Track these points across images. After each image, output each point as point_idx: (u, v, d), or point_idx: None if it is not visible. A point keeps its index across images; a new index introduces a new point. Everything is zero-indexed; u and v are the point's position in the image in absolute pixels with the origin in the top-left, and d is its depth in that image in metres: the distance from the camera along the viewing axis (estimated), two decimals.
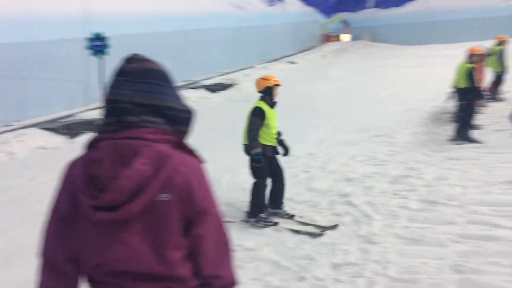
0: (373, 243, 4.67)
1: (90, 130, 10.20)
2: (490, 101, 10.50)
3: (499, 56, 10.75)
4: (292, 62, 20.62)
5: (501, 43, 11.00)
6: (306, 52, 23.60)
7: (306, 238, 4.94)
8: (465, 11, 27.32)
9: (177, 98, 1.63)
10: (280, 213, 5.58)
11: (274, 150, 5.55)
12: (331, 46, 25.26)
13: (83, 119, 11.38)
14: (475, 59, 8.23)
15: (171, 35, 16.62)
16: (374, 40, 28.06)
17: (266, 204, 5.53)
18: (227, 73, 17.87)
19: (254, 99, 5.79)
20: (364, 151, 8.00)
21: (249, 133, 5.28)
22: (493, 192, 5.72)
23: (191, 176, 1.51)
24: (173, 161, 1.48)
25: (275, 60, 21.11)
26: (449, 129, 8.54)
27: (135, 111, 1.51)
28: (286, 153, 5.70)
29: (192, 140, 1.81)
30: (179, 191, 1.48)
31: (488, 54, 10.31)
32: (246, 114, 5.44)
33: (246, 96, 14.23)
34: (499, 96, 10.87)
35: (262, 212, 5.41)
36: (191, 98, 13.76)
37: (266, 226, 5.28)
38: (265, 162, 5.36)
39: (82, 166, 1.50)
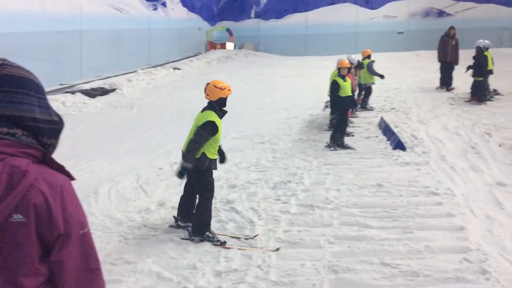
0: (256, 248, 4.76)
1: None
2: (360, 110, 11.37)
3: (367, 68, 11.70)
4: (176, 68, 20.40)
5: (368, 56, 11.97)
6: (191, 59, 23.51)
7: (189, 247, 4.86)
8: (338, 25, 29.41)
9: (42, 107, 1.47)
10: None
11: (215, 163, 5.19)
12: (216, 53, 25.50)
13: None
14: (343, 71, 8.86)
15: (46, 35, 15.44)
16: (256, 50, 28.93)
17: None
18: (108, 77, 17.11)
19: (137, 105, 5.60)
20: (248, 157, 8.15)
21: (191, 144, 4.92)
22: (364, 195, 6.17)
23: (52, 195, 1.36)
24: (29, 178, 1.33)
25: (159, 65, 20.71)
26: (326, 136, 9.06)
27: None
28: (223, 160, 5.46)
29: (68, 149, 1.66)
30: (36, 212, 1.33)
31: (358, 66, 11.15)
32: (196, 122, 5.06)
33: (128, 101, 13.76)
34: (368, 105, 11.83)
35: (208, 230, 5.03)
36: (66, 103, 12.92)
37: (214, 245, 4.89)
38: (211, 176, 5.09)
39: None
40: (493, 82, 12.39)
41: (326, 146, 8.62)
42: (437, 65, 14.17)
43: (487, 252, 4.46)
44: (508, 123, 9.64)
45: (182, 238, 5.06)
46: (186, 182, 5.38)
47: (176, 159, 8.08)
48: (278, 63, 22.53)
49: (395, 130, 9.17)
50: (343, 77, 8.76)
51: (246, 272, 4.26)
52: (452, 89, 13.53)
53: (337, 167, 7.44)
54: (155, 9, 23.34)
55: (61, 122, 1.52)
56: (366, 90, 11.77)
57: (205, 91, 5.13)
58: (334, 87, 8.71)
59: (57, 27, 16.06)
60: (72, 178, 1.47)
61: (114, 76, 17.46)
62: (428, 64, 18.05)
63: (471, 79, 12.01)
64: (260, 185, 6.69)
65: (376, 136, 9.21)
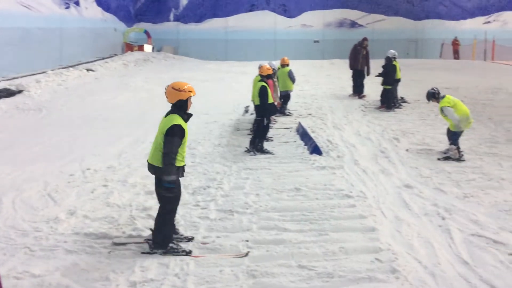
0: (173, 256, 4.63)
1: None
2: (279, 116, 11.57)
3: (289, 76, 11.95)
4: (90, 70, 19.52)
5: (287, 65, 12.21)
6: (106, 60, 22.63)
7: (101, 257, 4.61)
8: (257, 32, 29.88)
9: None
10: (176, 237, 4.92)
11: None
12: (134, 55, 24.79)
13: None
14: (265, 77, 8.95)
15: None
16: (176, 53, 28.56)
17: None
18: (14, 78, 15.96)
19: (46, 108, 5.23)
20: None
21: (166, 157, 4.46)
22: (282, 199, 6.26)
23: None
24: None
25: (71, 66, 19.70)
26: (245, 141, 9.10)
27: None
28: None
29: None
30: None
31: (276, 73, 11.34)
32: (161, 127, 4.62)
33: (37, 104, 12.92)
34: (287, 111, 12.08)
35: (170, 242, 4.73)
36: None
37: (176, 255, 4.63)
38: (178, 186, 4.72)
39: None
40: (400, 90, 13.19)
41: (245, 151, 8.65)
42: (350, 73, 14.82)
43: (396, 252, 4.69)
44: (414, 129, 10.29)
45: (143, 252, 4.70)
46: None
47: (89, 164, 7.71)
48: (198, 67, 22.39)
49: (312, 135, 9.44)
50: (266, 83, 8.84)
51: (163, 281, 4.12)
52: (364, 96, 14.22)
53: (256, 172, 7.48)
54: (67, 7, 22.22)
55: None
56: (285, 97, 12.01)
57: (165, 94, 4.69)
58: (263, 92, 8.67)
59: None
60: None
61: (21, 76, 16.34)
62: (342, 72, 18.86)
63: (381, 87, 12.69)
64: None
65: (294, 141, 9.41)
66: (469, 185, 6.75)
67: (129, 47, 27.49)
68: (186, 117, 4.71)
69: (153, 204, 5.99)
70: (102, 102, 13.67)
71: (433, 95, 8.30)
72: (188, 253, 4.68)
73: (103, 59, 23.11)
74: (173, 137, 4.49)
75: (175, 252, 4.67)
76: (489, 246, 4.85)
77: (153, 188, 6.60)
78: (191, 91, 4.69)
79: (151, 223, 5.41)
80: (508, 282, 4.15)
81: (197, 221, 5.51)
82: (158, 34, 28.90)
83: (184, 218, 5.56)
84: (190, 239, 4.95)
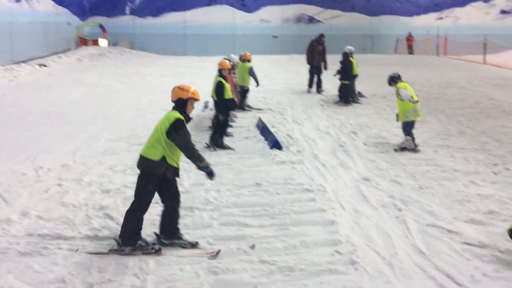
0: (132, 255, 4.53)
1: None
2: (239, 111, 11.54)
3: (250, 73, 11.94)
4: (43, 65, 18.83)
5: (249, 60, 12.19)
6: (60, 55, 21.91)
7: (57, 259, 4.45)
8: (216, 27, 29.68)
9: None
10: (179, 243, 4.74)
11: (176, 172, 4.75)
12: (88, 50, 24.13)
13: None
14: (224, 72, 8.91)
15: None
16: (132, 47, 27.99)
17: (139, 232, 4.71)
18: None
19: None
20: (124, 160, 7.78)
21: (187, 151, 4.52)
22: (243, 194, 6.25)
23: None
24: None
25: (22, 61, 18.96)
26: (205, 137, 9.02)
27: None
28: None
29: None
30: None
31: (235, 68, 11.31)
32: (160, 123, 4.59)
33: None
34: (246, 106, 12.06)
35: (139, 238, 4.59)
36: None
37: (145, 254, 4.49)
38: (155, 185, 4.60)
39: None
40: (358, 85, 13.43)
41: (205, 147, 8.57)
42: (308, 68, 14.94)
43: (355, 244, 4.77)
44: (371, 123, 10.51)
45: (110, 250, 4.55)
46: (162, 197, 4.81)
47: (42, 163, 7.44)
48: (156, 62, 22.02)
49: (272, 130, 9.47)
50: (224, 79, 8.81)
51: (121, 281, 4.03)
52: (322, 91, 14.39)
53: (216, 168, 7.36)
54: (18, 1, 21.32)
55: None
56: (243, 92, 11.99)
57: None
58: (220, 88, 8.66)
59: None
60: None
61: None
62: (300, 68, 18.99)
63: (339, 82, 12.88)
64: None
65: (255, 136, 9.41)
66: (424, 176, 6.95)
67: (83, 41, 26.71)
68: (187, 118, 4.69)
69: (110, 203, 5.86)
70: (56, 98, 13.22)
71: (393, 79, 8.63)
72: (158, 251, 4.55)
73: (56, 54, 22.37)
74: (179, 132, 4.50)
75: (144, 249, 4.54)
76: (444, 235, 5.00)
77: (110, 186, 6.49)
78: (194, 94, 4.72)
79: (108, 222, 5.29)
80: (461, 270, 4.29)
81: (156, 219, 5.36)
82: (113, 28, 28.21)
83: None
84: (194, 245, 4.72)
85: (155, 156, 4.54)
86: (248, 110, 11.86)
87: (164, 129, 4.53)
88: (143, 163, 4.63)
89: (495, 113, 11.20)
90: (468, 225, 5.26)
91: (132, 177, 6.91)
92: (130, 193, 6.17)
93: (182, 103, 4.69)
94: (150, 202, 4.68)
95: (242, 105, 11.86)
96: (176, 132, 4.49)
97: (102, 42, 26.94)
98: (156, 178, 4.60)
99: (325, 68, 14.53)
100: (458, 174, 7.06)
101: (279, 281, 4.12)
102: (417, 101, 8.32)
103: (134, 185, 6.45)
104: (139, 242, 4.58)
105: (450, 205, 5.88)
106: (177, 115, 4.58)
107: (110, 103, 12.71)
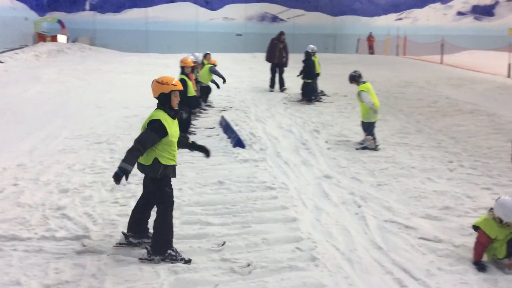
0: (92, 253, 4.44)
1: None
2: (203, 109, 11.49)
3: (212, 71, 11.94)
4: None
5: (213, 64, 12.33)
6: (16, 51, 21.15)
7: (12, 260, 4.31)
8: (179, 24, 29.39)
9: None
10: (148, 242, 4.57)
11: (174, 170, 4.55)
12: (46, 46, 23.39)
13: None
14: (187, 70, 8.85)
15: None
16: (92, 44, 27.37)
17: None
18: None
19: None
20: (83, 159, 7.61)
21: (134, 144, 4.21)
22: (205, 193, 6.22)
23: None
24: None
25: None
26: None
27: None
28: (207, 153, 5.12)
29: None
30: None
31: (198, 65, 11.30)
32: (144, 123, 4.43)
33: None
34: (209, 103, 12.05)
35: (170, 247, 4.39)
36: None
37: (174, 263, 4.31)
38: (168, 186, 4.44)
39: None
40: (320, 84, 13.59)
41: None
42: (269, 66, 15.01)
43: (316, 240, 4.83)
44: (333, 121, 10.67)
45: (141, 259, 4.36)
46: (141, 194, 4.69)
47: None
48: (117, 59, 21.59)
49: (235, 128, 9.46)
50: (187, 76, 8.75)
51: (79, 283, 3.94)
52: (285, 89, 14.48)
53: (179, 166, 7.28)
54: None
55: None
56: (205, 89, 11.95)
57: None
58: (183, 86, 8.59)
59: None
60: None
61: None
62: (264, 66, 19.01)
63: (301, 81, 13.00)
64: (96, 188, 6.29)
65: (217, 135, 9.38)
66: (383, 173, 7.12)
67: (41, 37, 25.90)
68: (173, 113, 4.49)
69: (68, 203, 5.72)
70: (12, 95, 12.77)
71: (354, 78, 8.74)
72: (187, 261, 4.35)
73: (12, 50, 21.59)
74: (149, 131, 4.27)
75: (174, 259, 4.35)
76: (401, 231, 5.14)
77: (68, 185, 6.33)
78: (175, 85, 4.46)
79: (66, 223, 5.16)
80: (417, 265, 4.43)
81: (116, 219, 5.32)
82: (73, 24, 27.51)
83: (102, 217, 5.35)
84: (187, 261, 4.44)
85: (147, 160, 4.36)
86: (211, 108, 11.80)
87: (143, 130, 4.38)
88: (141, 169, 4.47)
89: (451, 112, 11.58)
90: (424, 221, 5.42)
91: (91, 176, 6.78)
92: (89, 193, 6.08)
93: (165, 98, 4.45)
94: (173, 201, 4.52)
95: (204, 103, 11.81)
96: (147, 128, 4.32)
97: (61, 38, 26.21)
98: (165, 178, 4.44)
99: (285, 65, 14.62)
100: (415, 171, 7.26)
101: (240, 279, 4.13)
102: (376, 110, 8.43)
103: (94, 185, 6.37)
104: (169, 251, 4.38)
105: (407, 201, 6.04)
106: (157, 116, 4.36)
107: (68, 101, 12.39)
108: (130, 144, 8.49)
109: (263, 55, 15.94)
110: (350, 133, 9.56)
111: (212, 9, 30.88)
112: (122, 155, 7.75)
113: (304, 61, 12.98)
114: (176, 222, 5.25)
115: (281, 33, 14.80)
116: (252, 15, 31.61)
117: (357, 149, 8.43)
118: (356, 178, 6.92)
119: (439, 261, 4.51)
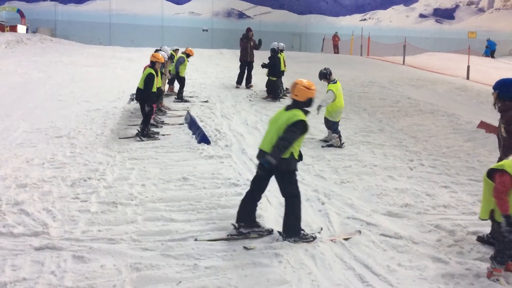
0: (52, 250, 4.31)
1: None
2: (174, 102, 11.59)
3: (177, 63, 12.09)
4: None
5: (187, 54, 12.59)
6: None
7: None
8: (144, 17, 28.91)
9: None
10: (258, 231, 4.93)
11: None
12: (5, 36, 22.52)
13: None
14: (157, 66, 8.83)
15: None
16: (53, 35, 26.57)
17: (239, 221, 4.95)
18: None
19: None
20: (42, 153, 7.39)
21: (282, 142, 4.61)
22: (169, 189, 6.15)
23: None
24: None
25: None
26: (134, 129, 8.78)
27: None
28: (301, 157, 5.11)
29: None
30: None
31: (171, 59, 11.34)
32: (283, 120, 4.72)
33: None
34: (183, 97, 12.12)
35: (301, 228, 4.87)
36: None
37: (306, 242, 4.76)
38: (295, 174, 4.90)
39: None
40: (285, 81, 13.66)
41: (133, 137, 8.40)
42: (238, 63, 14.99)
43: (280, 237, 4.85)
44: None
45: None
46: (250, 187, 5.01)
47: None
48: (79, 52, 21.02)
49: (201, 124, 9.40)
50: (156, 71, 8.78)
51: (37, 280, 3.82)
52: (251, 86, 14.49)
53: (142, 162, 7.26)
54: None
55: None
56: (180, 82, 12.21)
57: (292, 91, 4.90)
58: (149, 80, 8.60)
59: None
60: None
61: None
62: (230, 62, 19.01)
63: (267, 78, 13.04)
64: (56, 183, 6.12)
65: (182, 130, 9.30)
66: (346, 171, 7.23)
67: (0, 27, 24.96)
68: (306, 113, 4.89)
69: (26, 198, 5.54)
70: None
71: (325, 76, 8.81)
72: (315, 238, 4.84)
73: None
74: (297, 130, 4.67)
75: (306, 238, 4.81)
76: (363, 227, 5.23)
77: (26, 180, 6.13)
78: (315, 89, 4.92)
79: (24, 219, 5.00)
80: (378, 260, 4.52)
81: (76, 214, 5.19)
82: (33, 14, 26.61)
83: (62, 212, 5.21)
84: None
85: (285, 154, 4.69)
86: (186, 101, 11.98)
87: (284, 127, 4.69)
88: (265, 156, 4.75)
89: (412, 112, 11.88)
90: (385, 218, 5.54)
91: (51, 171, 6.60)
92: (49, 188, 5.91)
93: (310, 102, 4.88)
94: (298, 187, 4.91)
95: (180, 96, 12.15)
96: (293, 127, 4.66)
97: (21, 28, 25.31)
98: (295, 169, 4.85)
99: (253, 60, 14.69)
100: (377, 169, 7.40)
101: (203, 275, 4.11)
102: (321, 108, 8.55)
103: (53, 180, 6.19)
104: (302, 232, 4.83)
105: (369, 198, 6.16)
106: (302, 116, 4.73)
107: (28, 93, 11.99)
108: (92, 138, 8.43)
109: (230, 52, 15.92)
110: (315, 130, 9.64)
111: (178, 3, 30.52)
112: (83, 150, 7.67)
113: (270, 58, 13.01)
114: (138, 218, 5.19)
115: (248, 30, 14.79)
116: (219, 11, 31.44)
117: (323, 146, 8.53)
118: (320, 175, 7.00)
119: (399, 257, 4.61)
